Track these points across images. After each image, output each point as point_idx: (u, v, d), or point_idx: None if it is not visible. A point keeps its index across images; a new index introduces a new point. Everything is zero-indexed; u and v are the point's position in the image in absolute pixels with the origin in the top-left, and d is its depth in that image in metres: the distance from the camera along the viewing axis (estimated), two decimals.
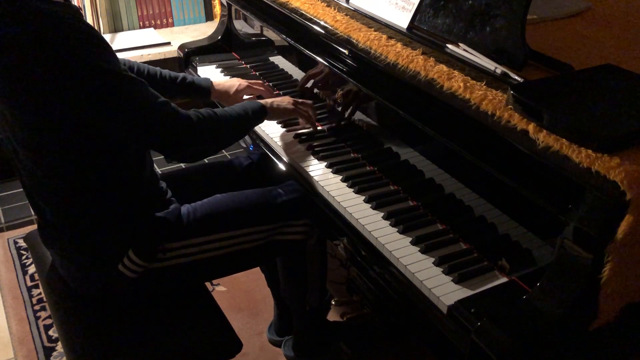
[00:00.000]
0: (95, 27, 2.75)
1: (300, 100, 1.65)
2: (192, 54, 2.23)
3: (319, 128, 1.68)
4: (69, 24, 1.13)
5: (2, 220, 2.59)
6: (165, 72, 1.70)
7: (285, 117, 1.65)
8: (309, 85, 1.78)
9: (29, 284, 2.25)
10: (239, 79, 1.80)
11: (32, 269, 2.31)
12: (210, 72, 2.06)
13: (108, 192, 1.31)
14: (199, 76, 2.04)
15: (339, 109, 1.64)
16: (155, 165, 1.50)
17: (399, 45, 1.34)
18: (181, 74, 1.73)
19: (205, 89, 1.76)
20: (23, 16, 1.11)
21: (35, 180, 1.31)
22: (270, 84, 1.90)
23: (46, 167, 1.26)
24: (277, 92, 1.89)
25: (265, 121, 1.60)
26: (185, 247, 1.41)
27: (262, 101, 1.56)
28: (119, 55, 1.71)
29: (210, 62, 2.16)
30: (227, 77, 2.02)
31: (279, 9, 1.75)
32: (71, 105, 1.16)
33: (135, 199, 1.36)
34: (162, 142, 1.29)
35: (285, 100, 1.61)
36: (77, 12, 1.19)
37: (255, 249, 1.51)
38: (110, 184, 1.31)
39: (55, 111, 1.17)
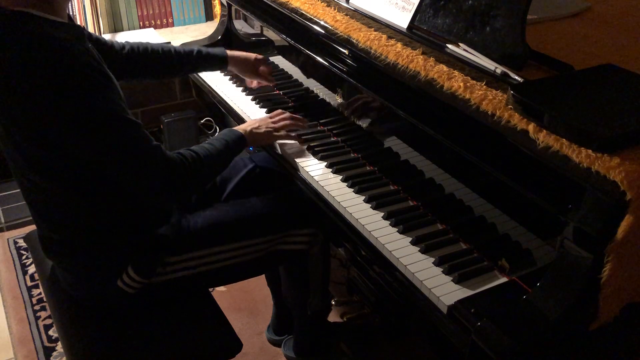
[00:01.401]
0: (96, 27, 2.76)
1: (277, 118, 1.59)
2: None
3: (319, 129, 1.68)
4: (77, 55, 1.11)
5: (2, 220, 2.59)
6: (179, 48, 1.72)
7: (265, 144, 1.60)
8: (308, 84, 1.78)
9: (29, 284, 2.25)
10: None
11: (32, 269, 2.31)
12: (210, 72, 2.06)
13: (107, 210, 1.30)
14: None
15: (340, 109, 1.64)
16: None
17: (399, 45, 1.34)
18: (195, 48, 1.74)
19: (222, 59, 1.77)
20: (32, 43, 1.09)
21: (31, 196, 1.30)
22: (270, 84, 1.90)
23: (42, 184, 1.25)
24: (278, 92, 1.89)
25: None
26: (185, 261, 1.40)
27: (240, 129, 1.50)
28: None
29: None
30: (228, 77, 2.03)
31: (279, 9, 1.75)
32: (67, 137, 1.15)
33: (135, 215, 1.34)
34: (147, 189, 1.27)
35: (263, 126, 1.54)
36: (81, 33, 1.19)
37: (258, 259, 1.50)
38: (109, 201, 1.29)
39: (52, 137, 1.15)
